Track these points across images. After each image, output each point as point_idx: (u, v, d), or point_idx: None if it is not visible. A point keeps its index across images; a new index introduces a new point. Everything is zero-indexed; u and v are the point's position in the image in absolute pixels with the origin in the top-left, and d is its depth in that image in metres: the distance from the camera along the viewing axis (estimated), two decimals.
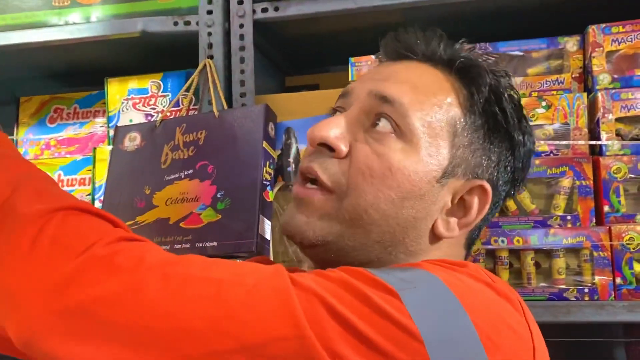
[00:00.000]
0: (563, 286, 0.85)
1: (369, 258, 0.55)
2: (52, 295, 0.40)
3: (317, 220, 0.54)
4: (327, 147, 0.55)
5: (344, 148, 0.55)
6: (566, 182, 0.87)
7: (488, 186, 0.56)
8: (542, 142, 0.89)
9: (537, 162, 0.87)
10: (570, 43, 0.92)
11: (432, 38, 0.59)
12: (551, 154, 0.89)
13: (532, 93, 0.92)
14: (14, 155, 0.51)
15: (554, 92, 0.91)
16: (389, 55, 0.62)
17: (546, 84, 0.92)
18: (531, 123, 0.89)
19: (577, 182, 0.86)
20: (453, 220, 0.56)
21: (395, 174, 0.53)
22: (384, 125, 0.54)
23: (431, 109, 0.55)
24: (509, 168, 0.59)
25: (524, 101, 0.90)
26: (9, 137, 0.54)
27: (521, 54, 0.94)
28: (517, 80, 0.92)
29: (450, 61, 0.58)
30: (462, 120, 0.56)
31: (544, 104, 0.90)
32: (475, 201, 0.56)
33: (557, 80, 0.92)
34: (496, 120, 0.57)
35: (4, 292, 0.42)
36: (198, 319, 0.40)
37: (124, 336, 0.40)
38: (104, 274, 0.41)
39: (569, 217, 0.86)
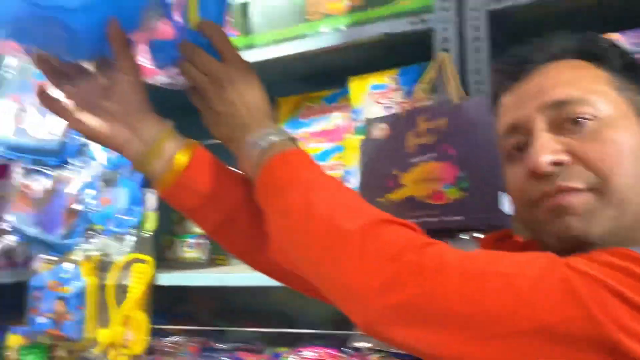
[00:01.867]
0: None
1: (635, 238, 0.57)
2: (382, 293, 0.52)
3: (591, 218, 0.57)
4: (553, 165, 0.58)
5: (568, 158, 0.58)
6: None
7: None
8: None
9: None
10: None
11: (543, 47, 0.65)
12: None
13: None
14: (319, 174, 0.64)
15: None
16: (514, 78, 0.65)
17: None
18: None
19: None
20: None
21: (624, 149, 0.58)
22: (577, 120, 0.58)
23: (591, 85, 0.60)
24: None
25: None
26: None
27: None
28: None
29: (578, 50, 0.63)
30: (611, 78, 0.61)
31: None
32: None
33: None
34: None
35: (346, 290, 0.55)
36: (497, 306, 0.48)
37: (441, 321, 0.50)
38: (418, 274, 0.52)
39: None
